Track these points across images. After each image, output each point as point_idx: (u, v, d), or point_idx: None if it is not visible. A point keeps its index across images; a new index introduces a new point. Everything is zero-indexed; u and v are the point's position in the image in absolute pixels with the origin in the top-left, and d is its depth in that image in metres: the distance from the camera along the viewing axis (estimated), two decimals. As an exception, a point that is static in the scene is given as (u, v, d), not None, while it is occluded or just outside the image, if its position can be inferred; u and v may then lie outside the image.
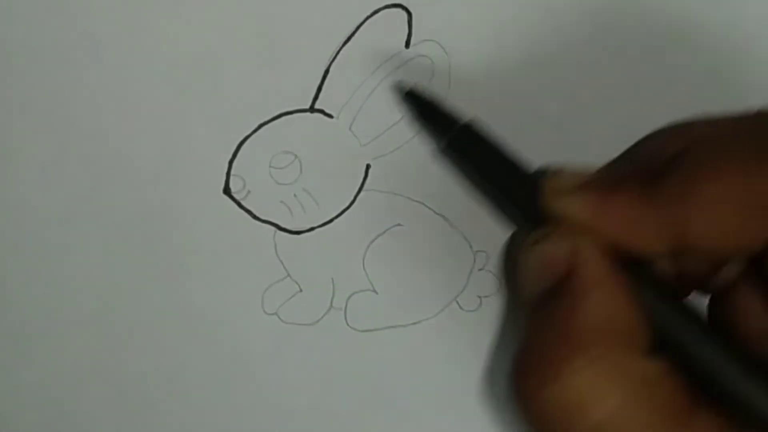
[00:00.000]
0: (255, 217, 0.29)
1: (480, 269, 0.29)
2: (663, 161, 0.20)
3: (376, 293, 0.29)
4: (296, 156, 0.28)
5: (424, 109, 0.26)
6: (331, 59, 0.28)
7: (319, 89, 0.28)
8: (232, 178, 0.28)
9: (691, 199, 0.19)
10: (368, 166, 0.29)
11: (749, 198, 0.19)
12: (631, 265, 0.21)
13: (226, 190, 0.28)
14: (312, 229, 0.29)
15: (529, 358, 0.20)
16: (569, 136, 0.28)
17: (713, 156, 0.19)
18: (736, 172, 0.19)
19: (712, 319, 0.23)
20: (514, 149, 0.24)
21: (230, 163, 0.28)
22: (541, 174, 0.23)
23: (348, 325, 0.29)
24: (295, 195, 0.29)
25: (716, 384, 0.20)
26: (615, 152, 0.28)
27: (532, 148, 0.28)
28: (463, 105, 0.28)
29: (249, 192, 0.28)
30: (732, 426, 0.19)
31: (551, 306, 0.20)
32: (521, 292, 0.22)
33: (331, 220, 0.29)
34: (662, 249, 0.20)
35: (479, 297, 0.30)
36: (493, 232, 0.29)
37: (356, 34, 0.27)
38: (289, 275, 0.29)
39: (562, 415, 0.19)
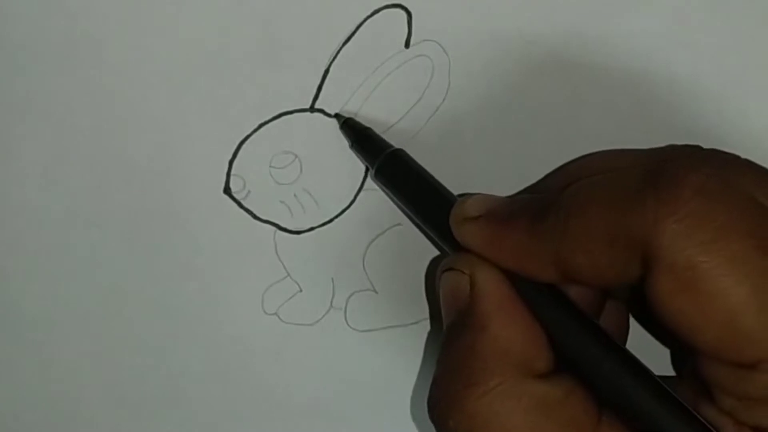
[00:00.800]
0: (255, 217, 0.29)
1: (480, 269, 0.29)
2: (551, 195, 0.21)
3: (376, 293, 0.29)
4: (296, 156, 0.28)
5: (359, 138, 0.27)
6: (331, 59, 0.28)
7: (319, 89, 0.28)
8: (232, 178, 0.28)
9: (564, 236, 0.20)
10: (368, 167, 0.29)
11: (614, 236, 0.19)
12: (538, 288, 0.22)
13: (226, 190, 0.28)
14: (312, 229, 0.29)
15: (438, 390, 0.22)
16: (569, 135, 0.28)
17: (585, 194, 0.21)
18: (601, 211, 0.20)
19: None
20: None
21: (230, 163, 0.28)
22: (455, 201, 0.24)
23: (348, 325, 0.29)
24: (295, 195, 0.29)
25: (618, 401, 0.20)
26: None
27: (531, 148, 0.28)
28: (463, 105, 0.28)
29: (249, 192, 0.28)
30: None
31: (456, 338, 0.22)
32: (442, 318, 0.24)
33: (331, 220, 0.29)
34: (550, 278, 0.21)
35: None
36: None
37: (356, 34, 0.28)
38: (289, 275, 0.29)
39: None
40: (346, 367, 0.30)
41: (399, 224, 0.29)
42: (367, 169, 0.29)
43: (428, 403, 0.22)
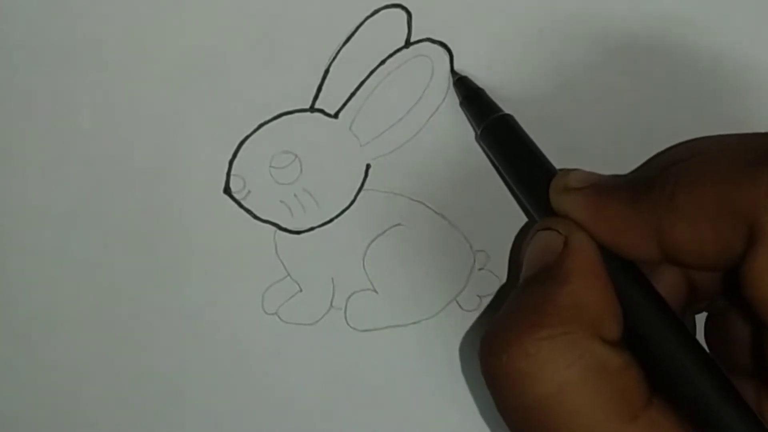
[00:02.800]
0: (255, 217, 0.29)
1: (480, 269, 0.29)
2: (656, 173, 0.21)
3: (376, 293, 0.29)
4: (296, 156, 0.28)
5: (469, 96, 0.27)
6: (331, 59, 0.28)
7: (319, 89, 0.28)
8: (232, 178, 0.28)
9: (670, 209, 0.20)
10: (368, 166, 0.29)
11: (722, 210, 0.19)
12: (623, 265, 0.22)
13: (227, 190, 0.28)
14: (312, 229, 0.29)
15: (500, 325, 0.21)
16: (570, 135, 0.28)
17: (694, 169, 0.21)
18: (711, 185, 0.20)
19: (709, 337, 0.24)
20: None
21: (230, 163, 0.28)
22: (556, 171, 0.24)
23: (348, 325, 0.29)
24: (295, 195, 0.29)
25: (674, 386, 0.20)
26: (615, 150, 0.28)
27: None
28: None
29: (249, 192, 0.28)
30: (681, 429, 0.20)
31: (534, 286, 0.22)
32: (521, 275, 0.24)
33: (331, 220, 0.29)
34: (648, 254, 0.21)
35: (479, 296, 0.30)
36: (493, 232, 0.29)
37: (356, 34, 0.27)
38: (289, 275, 0.29)
39: (514, 380, 0.20)
40: (346, 367, 0.30)
41: (399, 224, 0.29)
42: (367, 169, 0.29)
43: (485, 335, 0.22)
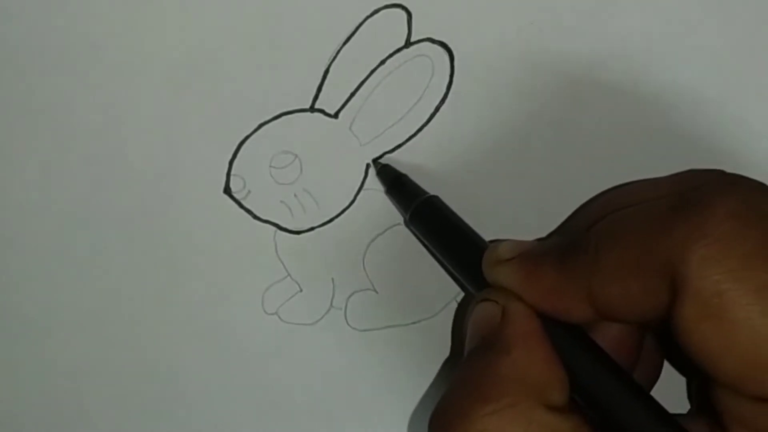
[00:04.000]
0: (255, 217, 0.29)
1: (480, 269, 0.29)
2: (579, 233, 0.22)
3: (376, 293, 0.29)
4: (296, 156, 0.28)
5: (393, 183, 0.28)
6: (331, 59, 0.28)
7: (319, 89, 0.28)
8: (232, 178, 0.28)
9: (595, 269, 0.21)
10: (368, 166, 0.29)
11: (644, 264, 0.20)
12: (564, 328, 0.22)
13: (227, 190, 0.28)
14: (312, 229, 0.29)
15: (447, 402, 0.22)
16: (569, 135, 0.28)
17: (615, 226, 0.21)
18: (630, 242, 0.20)
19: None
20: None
21: (230, 163, 0.28)
22: (486, 246, 0.25)
23: (348, 324, 0.29)
24: (295, 195, 0.29)
25: None
26: (615, 151, 0.28)
27: (531, 147, 0.28)
28: (463, 104, 0.28)
29: (249, 192, 0.28)
30: None
31: (477, 359, 0.22)
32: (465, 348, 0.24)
33: (331, 220, 0.29)
34: (583, 315, 0.21)
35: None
36: (493, 231, 0.29)
37: (356, 34, 0.27)
38: (289, 275, 0.29)
39: None
40: (346, 367, 0.30)
41: (399, 224, 0.29)
42: (367, 169, 0.29)
43: (433, 414, 0.22)
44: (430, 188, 0.28)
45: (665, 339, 0.25)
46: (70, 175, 0.28)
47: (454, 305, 0.29)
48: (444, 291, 0.29)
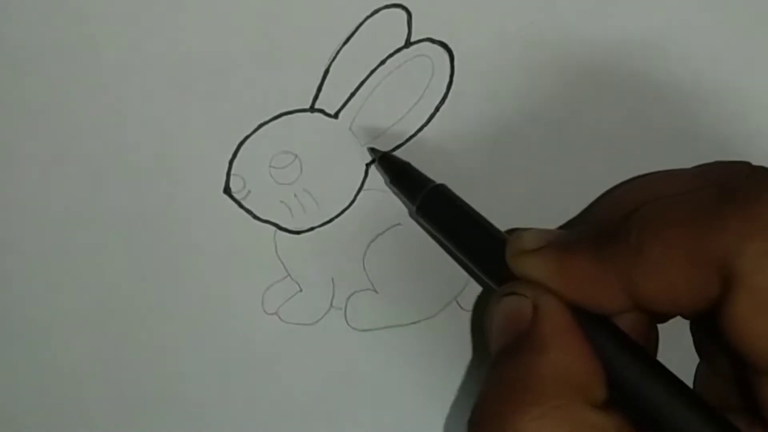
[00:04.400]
0: (255, 217, 0.29)
1: (480, 269, 0.29)
2: (615, 222, 0.21)
3: (376, 293, 0.29)
4: (296, 156, 0.28)
5: (397, 173, 0.27)
6: (331, 59, 0.28)
7: (319, 89, 0.28)
8: (232, 178, 0.28)
9: (638, 261, 0.20)
10: (368, 166, 0.29)
11: (693, 257, 0.19)
12: (594, 320, 0.21)
13: (227, 190, 0.28)
14: (312, 229, 0.29)
15: (487, 407, 0.21)
16: (569, 135, 0.28)
17: (659, 217, 0.20)
18: (678, 232, 0.19)
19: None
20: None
21: (230, 163, 0.28)
22: (505, 236, 0.24)
23: (348, 325, 0.29)
24: (295, 195, 0.29)
25: None
26: (615, 151, 0.28)
27: (531, 147, 0.28)
28: (463, 105, 0.28)
29: (249, 192, 0.28)
30: None
31: (512, 358, 0.21)
32: (489, 346, 0.23)
33: (331, 220, 0.29)
34: (618, 308, 0.21)
35: (479, 297, 0.30)
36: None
37: (356, 34, 0.27)
38: (289, 275, 0.29)
39: None
40: (346, 367, 0.30)
41: (399, 224, 0.29)
42: (367, 169, 0.29)
43: (471, 420, 0.21)
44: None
45: (697, 331, 0.24)
46: (70, 175, 0.28)
47: (455, 305, 0.29)
48: (444, 291, 0.29)
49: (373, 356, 0.30)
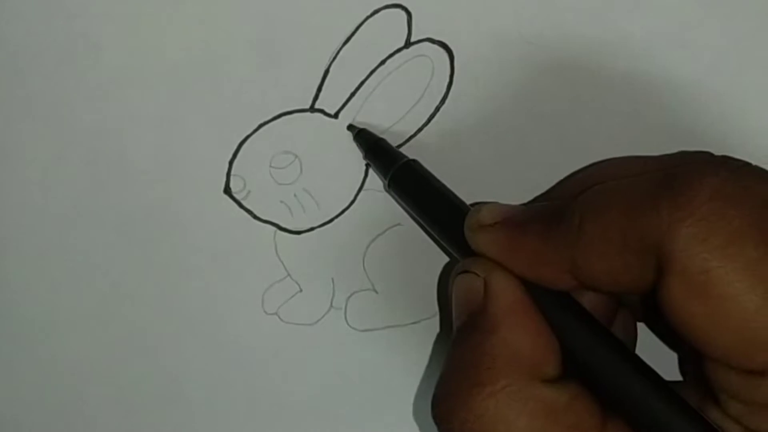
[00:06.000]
0: (255, 217, 0.29)
1: (480, 269, 0.29)
2: (564, 202, 0.21)
3: (376, 293, 0.29)
4: (296, 156, 0.28)
5: (371, 148, 0.27)
6: (331, 59, 0.28)
7: (319, 89, 0.28)
8: (232, 178, 0.28)
9: (579, 242, 0.20)
10: (368, 166, 0.29)
11: (629, 240, 0.19)
12: (551, 295, 0.22)
13: (227, 190, 0.28)
14: (312, 229, 0.29)
15: (445, 388, 0.22)
16: (569, 135, 0.28)
17: (600, 199, 0.21)
18: (615, 215, 0.20)
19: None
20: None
21: (230, 163, 0.28)
22: (468, 210, 0.24)
23: (348, 325, 0.29)
24: (295, 195, 0.29)
25: (626, 406, 0.20)
26: (615, 151, 0.28)
27: (531, 147, 0.28)
28: (463, 104, 0.28)
29: (249, 192, 0.28)
30: None
31: (467, 338, 0.22)
32: (453, 321, 0.24)
33: (331, 220, 0.29)
34: (565, 285, 0.21)
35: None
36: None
37: (356, 34, 0.27)
38: (289, 275, 0.29)
39: None
40: (346, 367, 0.30)
41: (399, 224, 0.29)
42: (367, 169, 0.29)
43: (433, 400, 0.22)
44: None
45: (647, 309, 0.25)
46: (70, 175, 0.28)
47: (454, 305, 0.29)
48: (444, 291, 0.29)
49: (373, 356, 0.30)
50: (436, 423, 0.22)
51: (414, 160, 0.27)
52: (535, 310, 0.22)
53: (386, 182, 0.27)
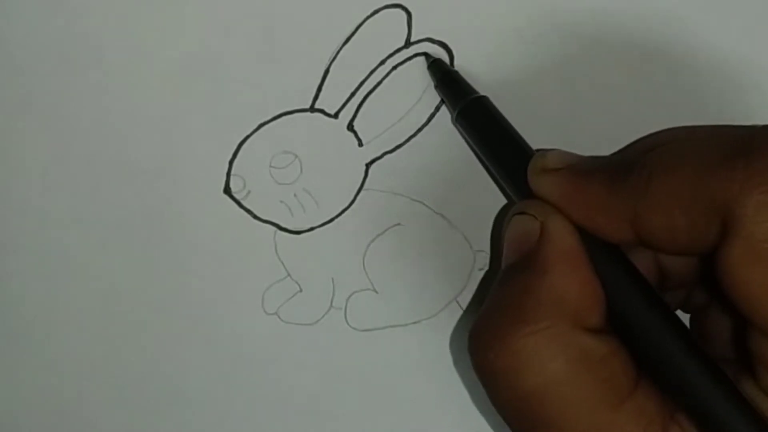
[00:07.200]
0: (255, 217, 0.29)
1: (480, 269, 0.29)
2: (634, 157, 0.21)
3: (376, 293, 0.29)
4: (296, 156, 0.28)
5: (444, 78, 0.27)
6: (331, 59, 0.28)
7: (319, 89, 0.28)
8: (232, 178, 0.28)
9: (645, 195, 0.20)
10: (368, 166, 0.29)
11: (697, 199, 0.19)
12: (604, 248, 0.22)
13: (227, 190, 0.28)
14: (312, 229, 0.29)
15: (485, 322, 0.22)
16: (569, 134, 0.28)
17: (671, 156, 0.21)
18: (686, 173, 0.20)
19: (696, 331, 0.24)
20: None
21: (230, 163, 0.28)
22: (534, 153, 0.24)
23: (348, 325, 0.29)
24: (295, 195, 0.29)
25: (663, 368, 0.21)
26: (614, 151, 0.28)
27: (532, 147, 0.28)
28: (463, 105, 0.28)
29: (249, 192, 0.28)
30: (667, 411, 0.20)
31: (515, 277, 0.22)
32: (502, 261, 0.24)
33: (331, 220, 0.29)
34: (622, 237, 0.21)
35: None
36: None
37: (356, 34, 0.28)
38: (289, 275, 0.29)
39: (504, 375, 0.21)
40: (346, 367, 0.30)
41: (399, 224, 0.29)
42: (367, 169, 0.29)
43: (470, 333, 0.22)
44: (430, 188, 0.28)
45: (701, 278, 0.25)
46: (70, 174, 0.28)
47: (455, 305, 0.29)
48: (444, 291, 0.29)
49: (373, 356, 0.30)
50: (471, 354, 0.22)
51: (485, 97, 0.27)
52: (587, 260, 0.22)
53: (454, 115, 0.27)
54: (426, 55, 0.28)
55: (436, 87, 0.28)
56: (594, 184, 0.22)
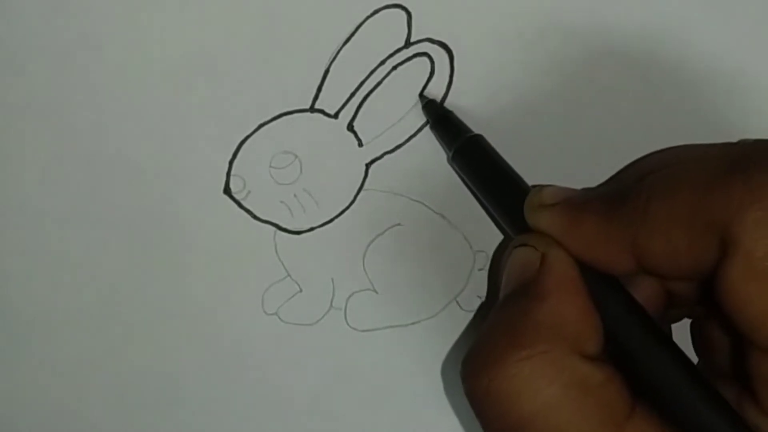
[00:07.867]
0: (255, 217, 0.29)
1: (480, 269, 0.29)
2: (629, 184, 0.21)
3: (376, 293, 0.29)
4: (296, 156, 0.28)
5: (438, 119, 0.28)
6: (331, 59, 0.28)
7: (319, 89, 0.28)
8: (232, 178, 0.28)
9: (644, 220, 0.20)
10: (368, 166, 0.29)
11: (696, 219, 0.20)
12: (603, 279, 0.22)
13: (226, 190, 0.28)
14: (312, 229, 0.29)
15: (480, 346, 0.22)
16: (569, 135, 0.28)
17: (666, 179, 0.21)
18: (684, 195, 0.20)
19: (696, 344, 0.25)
20: (513, 165, 0.26)
21: (230, 163, 0.28)
22: (530, 189, 0.24)
23: (348, 325, 0.29)
24: (295, 195, 0.29)
25: (658, 394, 0.21)
26: (614, 151, 0.28)
27: (531, 147, 0.28)
28: (463, 105, 0.28)
29: (249, 192, 0.28)
30: None
31: (514, 303, 0.22)
32: (500, 292, 0.24)
33: (331, 220, 0.29)
34: (624, 266, 0.21)
35: (479, 297, 0.30)
36: (493, 232, 0.29)
37: (356, 34, 0.27)
38: (289, 275, 0.29)
39: (498, 401, 0.20)
40: (346, 367, 0.30)
41: (399, 224, 0.29)
42: (367, 169, 0.29)
43: (466, 356, 0.22)
44: (430, 188, 0.28)
45: (704, 298, 0.25)
46: (70, 175, 0.28)
47: (455, 305, 0.29)
48: (444, 291, 0.29)
49: (373, 356, 0.30)
50: (463, 380, 0.22)
51: (480, 135, 0.27)
52: (585, 290, 0.22)
53: (450, 154, 0.27)
54: (420, 96, 0.28)
55: (430, 127, 0.28)
56: (591, 215, 0.22)
